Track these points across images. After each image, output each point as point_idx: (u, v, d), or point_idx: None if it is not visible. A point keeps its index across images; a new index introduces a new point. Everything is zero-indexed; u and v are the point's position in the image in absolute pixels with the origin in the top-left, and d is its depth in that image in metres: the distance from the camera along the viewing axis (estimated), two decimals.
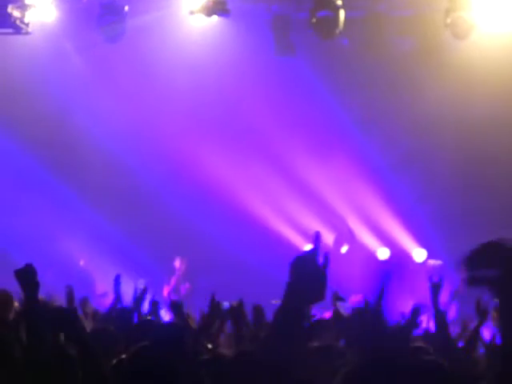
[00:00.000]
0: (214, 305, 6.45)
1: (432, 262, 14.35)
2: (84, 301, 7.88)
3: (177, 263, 15.14)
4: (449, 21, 13.47)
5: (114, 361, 4.87)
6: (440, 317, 6.70)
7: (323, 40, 14.10)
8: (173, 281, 15.00)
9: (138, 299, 6.49)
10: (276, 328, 3.05)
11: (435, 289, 6.77)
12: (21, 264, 4.75)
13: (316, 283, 3.02)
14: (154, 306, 6.69)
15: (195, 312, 7.80)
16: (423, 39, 14.53)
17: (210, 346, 5.91)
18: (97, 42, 14.75)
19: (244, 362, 4.50)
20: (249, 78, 15.28)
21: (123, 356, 4.89)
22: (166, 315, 7.69)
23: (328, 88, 15.24)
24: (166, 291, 14.80)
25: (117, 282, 7.23)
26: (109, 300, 7.41)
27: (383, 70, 15.14)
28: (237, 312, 6.04)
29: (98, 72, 15.79)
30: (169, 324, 5.49)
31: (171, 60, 15.23)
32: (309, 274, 3.03)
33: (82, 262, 15.39)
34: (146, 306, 6.87)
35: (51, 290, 9.82)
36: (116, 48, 14.85)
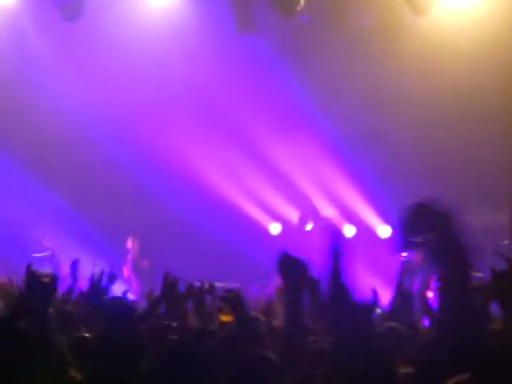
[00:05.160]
0: (167, 286, 6.43)
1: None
2: None
3: (129, 243, 15.34)
4: None
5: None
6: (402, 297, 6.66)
7: (284, 17, 14.07)
8: (129, 260, 15.22)
9: (96, 282, 6.44)
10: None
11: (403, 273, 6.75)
12: None
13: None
14: (111, 280, 6.66)
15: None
16: (384, 15, 14.54)
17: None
18: (56, 22, 14.60)
19: None
20: (211, 55, 15.20)
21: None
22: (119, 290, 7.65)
23: (290, 64, 15.21)
24: (125, 271, 15.13)
25: (74, 266, 7.22)
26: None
27: (344, 46, 15.13)
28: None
29: (58, 51, 15.61)
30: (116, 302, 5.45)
31: (131, 39, 15.10)
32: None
33: (45, 241, 15.36)
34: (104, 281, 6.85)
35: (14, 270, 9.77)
36: (76, 27, 14.72)
